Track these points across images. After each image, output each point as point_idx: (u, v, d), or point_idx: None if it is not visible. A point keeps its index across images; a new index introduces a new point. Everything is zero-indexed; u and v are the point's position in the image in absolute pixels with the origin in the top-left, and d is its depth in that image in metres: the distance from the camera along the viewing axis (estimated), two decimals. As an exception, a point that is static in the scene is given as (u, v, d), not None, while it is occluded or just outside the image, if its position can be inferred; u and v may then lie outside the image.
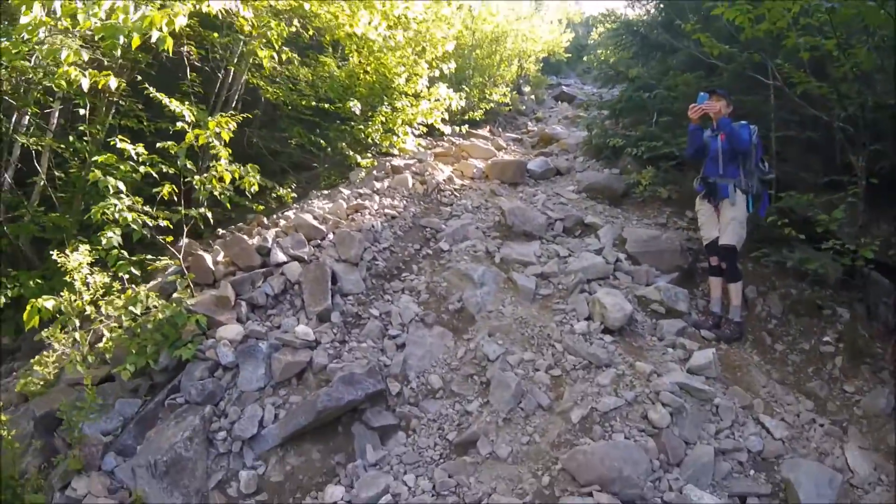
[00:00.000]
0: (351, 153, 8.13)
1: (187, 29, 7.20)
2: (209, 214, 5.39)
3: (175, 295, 5.28)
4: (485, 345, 5.15)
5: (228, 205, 5.65)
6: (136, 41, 4.43)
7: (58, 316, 4.68)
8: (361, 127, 8.23)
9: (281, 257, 5.74)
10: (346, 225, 6.33)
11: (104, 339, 4.88)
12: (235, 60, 7.89)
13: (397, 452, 4.49)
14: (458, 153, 9.18)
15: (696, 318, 5.87)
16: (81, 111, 6.39)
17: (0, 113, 6.15)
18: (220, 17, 6.40)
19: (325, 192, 7.60)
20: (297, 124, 8.28)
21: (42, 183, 6.50)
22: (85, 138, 6.33)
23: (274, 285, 5.53)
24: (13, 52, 4.82)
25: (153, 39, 4.45)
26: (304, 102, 8.05)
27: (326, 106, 8.03)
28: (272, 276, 5.61)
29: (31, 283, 5.92)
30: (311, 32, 8.27)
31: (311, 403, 4.49)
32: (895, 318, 5.42)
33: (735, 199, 5.64)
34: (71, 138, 6.37)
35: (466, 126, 10.51)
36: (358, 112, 8.00)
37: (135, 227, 4.94)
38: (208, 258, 5.69)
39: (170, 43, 4.56)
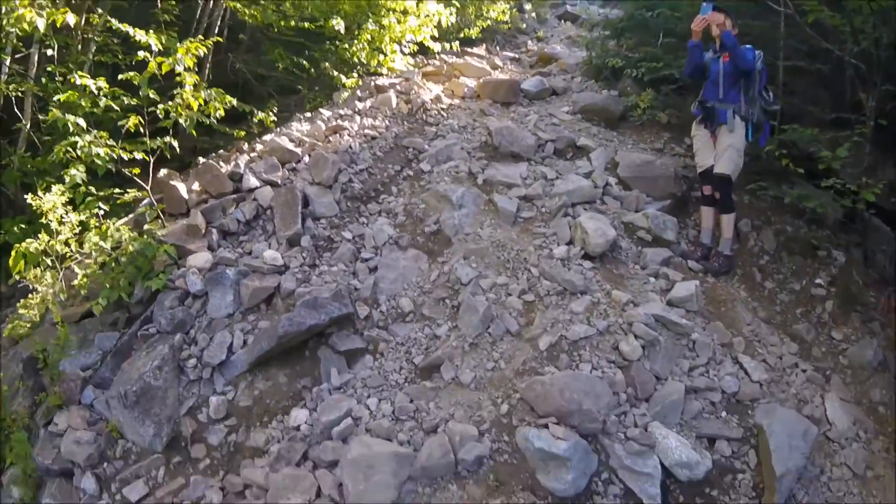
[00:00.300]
0: (335, 74, 7.87)
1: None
2: (175, 143, 5.27)
3: (146, 227, 5.25)
4: (458, 268, 5.01)
5: (194, 132, 5.50)
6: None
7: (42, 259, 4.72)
8: (346, 46, 7.93)
9: (253, 182, 5.64)
10: (322, 147, 6.17)
11: (79, 276, 4.88)
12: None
13: (362, 376, 4.46)
14: (450, 72, 8.81)
15: (685, 248, 5.65)
16: (49, 52, 6.22)
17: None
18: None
19: (308, 114, 7.41)
20: (280, 47, 8.00)
21: (27, 128, 6.43)
22: (58, 78, 6.19)
23: (245, 211, 5.44)
24: None
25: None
26: (283, 23, 7.74)
27: (306, 25, 7.71)
28: (244, 202, 5.53)
29: (15, 228, 5.94)
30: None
31: (272, 329, 4.46)
32: (892, 267, 5.18)
33: (733, 125, 5.33)
34: (44, 80, 6.23)
35: (458, 44, 10.06)
36: (342, 31, 7.69)
37: (98, 161, 4.88)
38: (181, 188, 5.63)
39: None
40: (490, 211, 5.73)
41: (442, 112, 7.39)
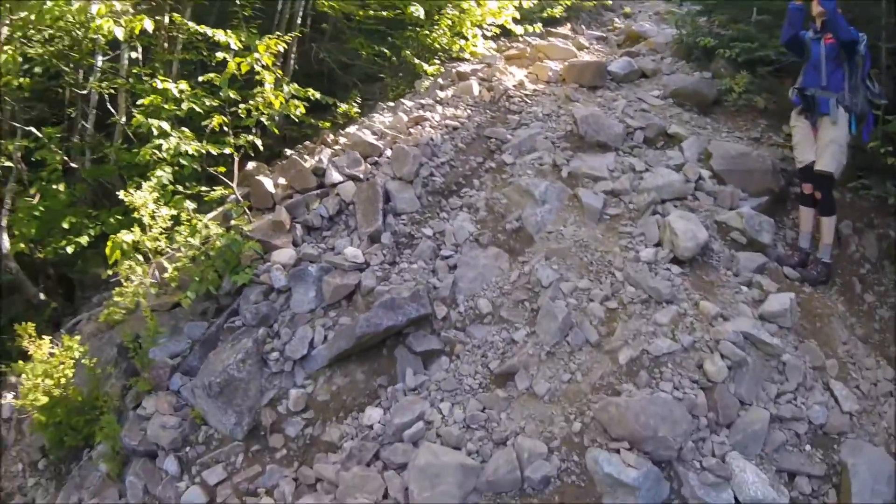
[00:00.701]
0: (416, 61, 7.81)
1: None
2: (258, 141, 5.41)
3: (232, 222, 5.43)
4: (539, 269, 4.88)
5: (276, 130, 5.63)
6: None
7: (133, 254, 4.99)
8: (427, 32, 7.85)
9: (336, 177, 5.70)
10: (404, 139, 6.17)
11: (170, 270, 5.11)
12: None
13: (437, 378, 4.46)
14: (534, 55, 8.52)
15: (781, 252, 5.28)
16: (133, 55, 6.49)
17: (67, 67, 6.41)
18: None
19: (391, 104, 7.41)
20: (361, 36, 8.01)
21: (123, 121, 6.74)
22: (144, 79, 6.45)
23: (329, 206, 5.53)
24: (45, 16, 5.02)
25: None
26: (361, 13, 7.70)
27: (386, 14, 7.64)
28: (327, 198, 5.61)
29: (112, 220, 6.27)
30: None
31: (350, 329, 4.54)
32: None
33: (836, 116, 4.90)
34: (131, 80, 6.51)
35: (541, 24, 9.70)
36: (422, 16, 7.61)
37: (184, 162, 5.09)
38: (268, 182, 5.77)
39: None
40: (574, 207, 5.53)
41: (525, 99, 7.21)
